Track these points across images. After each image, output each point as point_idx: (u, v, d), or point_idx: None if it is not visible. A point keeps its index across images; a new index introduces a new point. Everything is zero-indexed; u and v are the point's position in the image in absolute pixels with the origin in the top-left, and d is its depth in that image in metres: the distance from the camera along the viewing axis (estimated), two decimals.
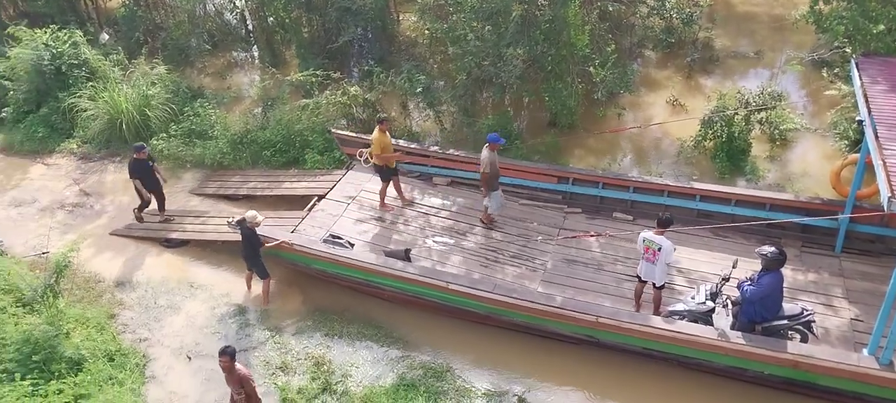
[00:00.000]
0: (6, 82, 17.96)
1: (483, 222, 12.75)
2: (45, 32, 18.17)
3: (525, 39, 14.35)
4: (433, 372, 10.53)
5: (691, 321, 9.68)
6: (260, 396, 9.13)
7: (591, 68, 14.53)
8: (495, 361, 10.69)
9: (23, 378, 9.22)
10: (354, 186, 14.04)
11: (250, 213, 11.48)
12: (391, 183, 13.36)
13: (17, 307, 11.24)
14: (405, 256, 11.73)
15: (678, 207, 12.50)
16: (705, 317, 9.74)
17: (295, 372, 10.78)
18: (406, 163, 14.26)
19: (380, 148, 12.85)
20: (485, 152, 12.00)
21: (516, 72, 14.16)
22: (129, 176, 13.73)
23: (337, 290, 12.21)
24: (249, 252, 11.72)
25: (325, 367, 10.74)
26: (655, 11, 17.43)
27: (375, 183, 13.84)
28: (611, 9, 16.20)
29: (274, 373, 10.77)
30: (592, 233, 11.90)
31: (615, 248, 11.99)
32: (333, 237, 12.36)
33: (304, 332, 11.52)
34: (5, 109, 18.03)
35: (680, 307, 9.98)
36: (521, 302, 10.43)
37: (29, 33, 18.16)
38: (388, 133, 13.17)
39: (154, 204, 14.20)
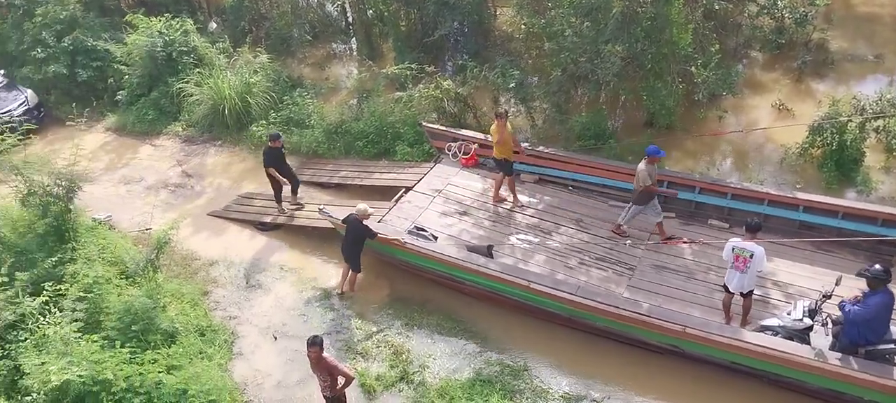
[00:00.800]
0: (122, 67, 18.85)
1: (615, 233, 12.29)
2: (160, 21, 18.97)
3: (625, 36, 13.90)
4: (510, 370, 10.41)
5: (785, 337, 9.13)
6: (352, 374, 9.21)
7: (693, 68, 13.94)
8: (574, 364, 10.45)
9: (122, 346, 9.59)
10: (441, 180, 14.01)
11: (361, 206, 11.57)
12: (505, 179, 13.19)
13: (121, 278, 11.70)
14: (487, 252, 11.61)
15: (779, 217, 11.88)
16: (801, 335, 9.16)
17: (374, 359, 10.90)
18: (494, 158, 14.13)
19: (497, 140, 12.61)
20: (642, 165, 11.41)
21: (614, 69, 13.74)
22: (264, 164, 13.69)
23: (419, 281, 12.24)
24: (350, 244, 11.73)
25: (403, 356, 10.82)
26: (766, 10, 16.51)
27: (462, 177, 13.82)
28: (717, 7, 15.45)
29: (354, 358, 10.92)
30: (685, 240, 11.45)
31: (708, 256, 11.43)
32: (418, 229, 12.38)
33: (385, 320, 11.62)
34: (120, 92, 18.94)
35: (774, 322, 9.43)
36: (604, 306, 10.14)
37: (145, 21, 19.00)
38: (509, 126, 12.83)
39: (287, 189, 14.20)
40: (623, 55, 13.81)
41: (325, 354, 8.76)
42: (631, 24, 13.88)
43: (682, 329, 9.47)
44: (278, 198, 14.11)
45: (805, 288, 10.54)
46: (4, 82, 19.39)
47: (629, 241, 11.96)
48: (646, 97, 14.50)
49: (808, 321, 9.17)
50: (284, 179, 13.79)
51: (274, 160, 13.64)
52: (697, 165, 14.26)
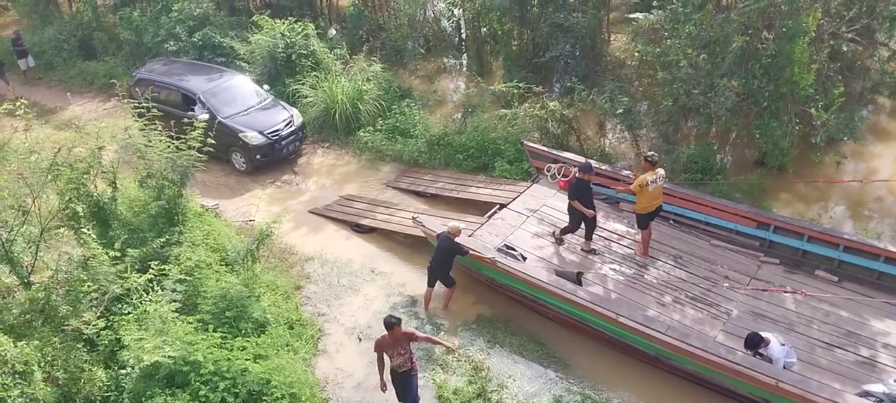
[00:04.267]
0: (244, 64, 19.76)
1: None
2: (283, 23, 19.77)
3: (742, 72, 13.50)
4: (591, 402, 10.18)
5: None
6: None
7: (813, 109, 13.30)
8: None
9: (214, 330, 9.97)
10: (537, 200, 13.89)
11: (453, 224, 11.65)
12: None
13: (221, 265, 12.15)
14: (576, 279, 11.41)
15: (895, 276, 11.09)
16: None
17: (453, 372, 10.90)
18: (593, 184, 13.91)
19: (639, 189, 11.71)
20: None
21: (728, 104, 13.31)
22: (570, 197, 12.16)
23: (504, 299, 12.20)
24: (438, 263, 11.71)
25: (482, 373, 10.77)
26: None
27: (559, 199, 13.64)
28: (845, 49, 14.72)
29: (433, 369, 10.96)
30: (788, 289, 10.88)
31: (812, 309, 10.82)
32: (507, 247, 12.32)
33: (467, 335, 11.60)
34: None
35: (879, 388, 8.79)
36: (695, 349, 9.73)
37: (269, 22, 19.86)
38: (658, 171, 11.84)
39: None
40: (738, 91, 13.38)
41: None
42: (749, 60, 13.45)
43: (775, 382, 8.98)
44: (589, 234, 12.52)
45: None
46: (269, 99, 17.84)
47: (727, 284, 11.49)
48: (759, 135, 13.94)
49: None
50: (591, 213, 12.19)
51: (582, 193, 12.14)
52: (808, 211, 13.58)
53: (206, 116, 15.19)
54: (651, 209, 11.90)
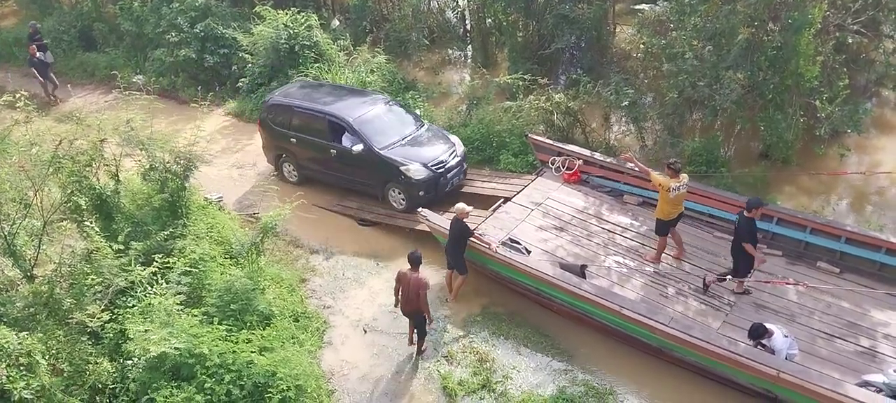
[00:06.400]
0: (247, 55, 19.68)
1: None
2: (286, 14, 19.68)
3: (747, 64, 13.51)
4: (595, 393, 10.24)
5: (889, 396, 8.51)
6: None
7: (817, 102, 13.28)
8: (661, 396, 10.18)
9: (219, 323, 9.96)
10: (542, 193, 13.88)
11: (459, 205, 11.69)
12: (670, 234, 11.90)
13: (225, 258, 12.10)
14: (580, 272, 11.41)
15: None
16: None
17: (458, 364, 10.95)
18: (597, 177, 13.91)
19: (660, 192, 11.50)
20: None
21: (733, 96, 13.32)
22: (738, 238, 10.71)
23: (509, 293, 12.21)
24: (452, 244, 11.77)
25: (487, 365, 10.82)
26: None
27: (563, 192, 13.65)
28: (850, 41, 14.68)
29: (439, 361, 11.01)
30: (790, 281, 10.88)
31: (814, 301, 10.85)
32: (512, 241, 12.32)
33: (473, 327, 11.63)
34: (242, 80, 19.76)
35: (879, 379, 8.82)
36: (697, 341, 9.74)
37: (272, 13, 19.71)
38: (682, 178, 11.49)
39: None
40: (744, 83, 13.38)
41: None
42: (755, 53, 13.43)
43: (777, 373, 9.00)
44: (744, 272, 11.00)
45: None
46: (425, 125, 15.54)
47: (730, 275, 11.49)
48: (763, 128, 13.97)
49: None
50: (761, 258, 10.89)
51: (752, 233, 10.79)
52: (812, 204, 13.60)
53: (360, 147, 14.13)
54: (673, 216, 11.62)
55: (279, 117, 15.49)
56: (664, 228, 11.76)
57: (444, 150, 14.51)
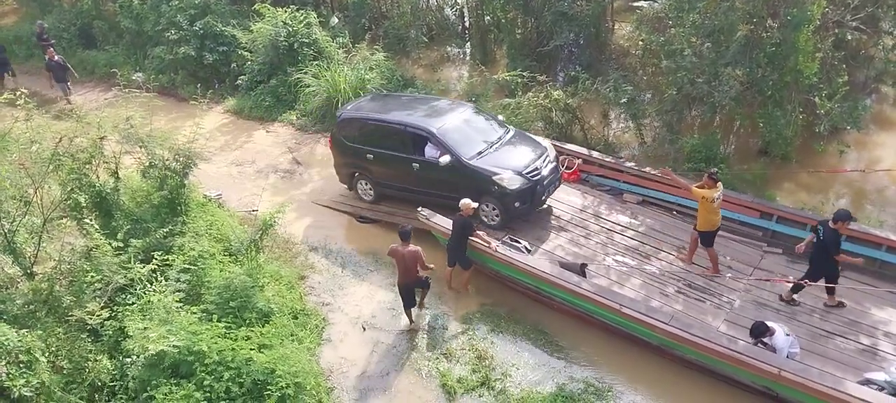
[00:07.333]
0: (246, 53, 19.71)
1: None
2: (285, 12, 19.71)
3: (746, 60, 13.50)
4: (594, 390, 10.21)
5: (891, 394, 8.51)
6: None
7: (816, 98, 13.28)
8: (661, 394, 10.16)
9: (219, 320, 9.93)
10: None
11: (464, 201, 11.67)
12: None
13: (224, 255, 12.08)
14: (580, 271, 11.42)
15: None
16: None
17: (457, 361, 10.93)
18: (597, 176, 13.88)
19: (701, 203, 11.27)
20: None
21: (732, 93, 13.34)
22: (832, 251, 10.24)
23: (508, 290, 12.21)
24: (455, 241, 11.79)
25: (486, 362, 10.80)
26: None
27: (562, 192, 13.62)
28: (849, 37, 14.68)
29: (437, 358, 11.00)
30: (791, 279, 10.87)
31: (815, 298, 10.85)
32: (512, 239, 12.31)
33: (472, 324, 11.62)
34: (241, 77, 19.81)
35: (880, 376, 8.81)
36: (697, 339, 9.72)
37: (271, 11, 19.75)
38: (720, 187, 11.27)
39: None
40: (742, 80, 13.38)
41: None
42: (754, 49, 13.42)
43: (778, 371, 9.00)
44: (807, 284, 10.74)
45: None
46: (511, 130, 14.11)
47: (730, 274, 11.49)
48: (762, 124, 13.95)
49: None
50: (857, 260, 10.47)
51: (838, 245, 10.26)
52: (811, 201, 13.58)
53: (447, 159, 12.96)
54: (716, 225, 11.37)
55: (353, 133, 14.37)
56: (711, 239, 11.45)
57: (536, 156, 13.17)
